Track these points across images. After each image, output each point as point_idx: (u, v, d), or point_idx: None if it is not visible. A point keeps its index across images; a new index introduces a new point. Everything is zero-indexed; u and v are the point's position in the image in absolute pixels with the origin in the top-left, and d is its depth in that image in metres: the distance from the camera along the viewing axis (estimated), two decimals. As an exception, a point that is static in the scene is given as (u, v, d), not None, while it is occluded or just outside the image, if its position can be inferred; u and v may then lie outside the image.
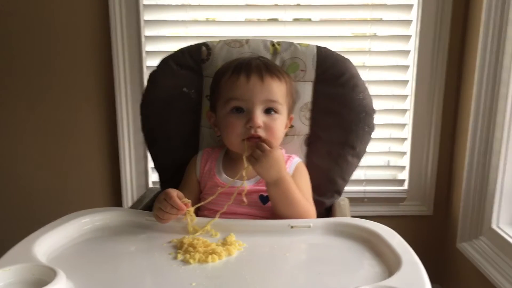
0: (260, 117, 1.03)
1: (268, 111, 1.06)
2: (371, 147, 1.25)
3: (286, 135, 1.19)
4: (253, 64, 1.07)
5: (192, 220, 0.95)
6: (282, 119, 1.08)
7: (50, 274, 0.70)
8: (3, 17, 1.62)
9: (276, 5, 1.64)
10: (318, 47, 1.20)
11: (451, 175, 1.72)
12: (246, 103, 1.04)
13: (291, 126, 1.19)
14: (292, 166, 1.11)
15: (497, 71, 1.37)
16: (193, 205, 0.95)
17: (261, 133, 1.03)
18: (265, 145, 0.98)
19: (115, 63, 1.63)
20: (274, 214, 1.03)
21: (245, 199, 0.98)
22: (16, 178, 1.76)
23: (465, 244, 1.56)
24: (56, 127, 1.72)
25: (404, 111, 1.70)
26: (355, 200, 1.71)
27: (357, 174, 1.43)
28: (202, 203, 1.00)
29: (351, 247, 0.88)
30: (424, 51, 1.62)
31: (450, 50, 1.62)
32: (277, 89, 1.06)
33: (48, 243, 0.85)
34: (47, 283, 0.67)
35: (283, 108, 1.08)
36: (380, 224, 0.92)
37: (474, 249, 1.50)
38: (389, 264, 0.78)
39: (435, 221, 1.78)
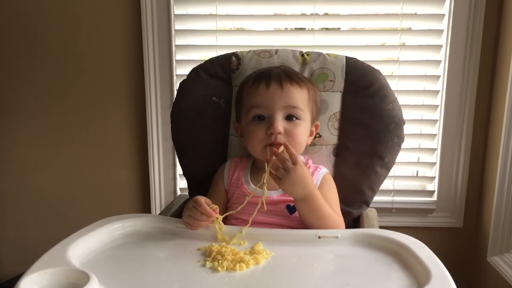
0: (280, 124, 1.04)
1: (290, 117, 1.06)
2: (400, 157, 1.24)
3: (314, 144, 1.20)
4: (273, 73, 1.09)
5: (221, 228, 0.96)
6: (304, 126, 1.08)
7: (83, 278, 0.71)
8: (42, 24, 1.68)
9: (304, 15, 1.65)
10: (347, 58, 1.20)
11: (482, 187, 1.69)
12: (267, 110, 1.05)
13: (319, 136, 1.20)
14: (319, 177, 1.11)
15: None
16: (221, 214, 0.96)
17: (282, 139, 1.04)
18: (288, 163, 0.97)
19: (146, 71, 1.67)
20: (303, 225, 1.03)
21: (265, 206, 0.98)
22: (49, 184, 1.81)
23: (496, 257, 1.52)
24: (86, 133, 1.76)
25: (434, 121, 1.67)
26: (383, 211, 1.70)
27: (385, 184, 1.41)
28: (230, 212, 1.02)
29: (379, 258, 0.87)
30: (455, 60, 1.60)
31: (481, 60, 1.59)
32: (298, 95, 1.07)
33: (81, 248, 0.87)
34: (80, 287, 0.69)
35: (305, 114, 1.08)
36: (408, 236, 0.91)
37: (505, 263, 1.46)
38: (418, 277, 0.77)
39: (465, 233, 1.74)
